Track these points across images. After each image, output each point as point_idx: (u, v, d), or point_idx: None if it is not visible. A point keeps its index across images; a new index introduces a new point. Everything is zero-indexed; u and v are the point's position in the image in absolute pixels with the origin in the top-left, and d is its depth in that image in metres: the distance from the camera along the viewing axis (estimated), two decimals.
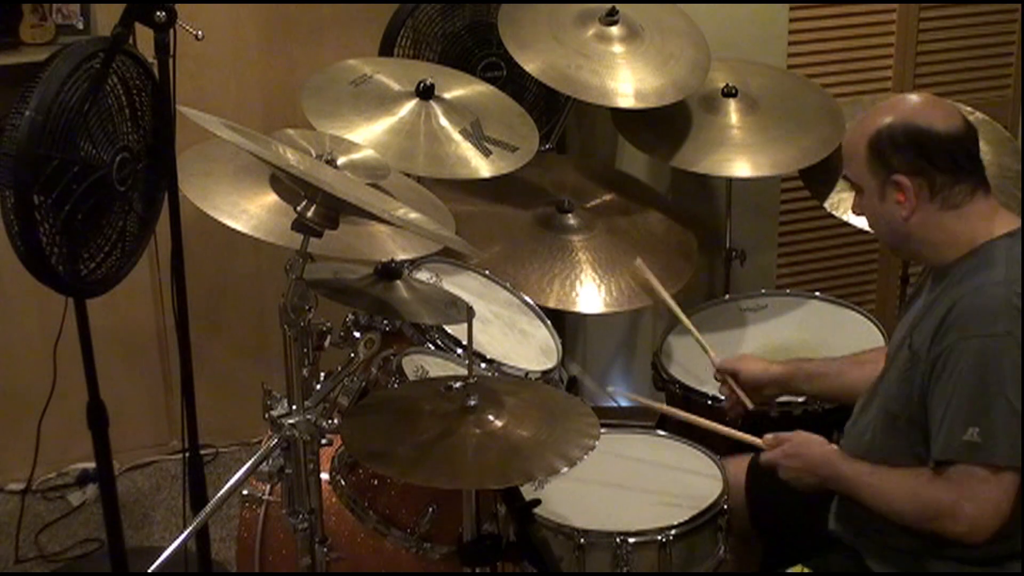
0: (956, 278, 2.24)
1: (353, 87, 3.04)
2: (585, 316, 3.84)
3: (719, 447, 2.68)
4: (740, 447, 2.61)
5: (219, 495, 2.19)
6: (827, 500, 2.45)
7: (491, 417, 2.16)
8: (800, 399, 2.88)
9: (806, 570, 2.39)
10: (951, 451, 2.16)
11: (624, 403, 3.88)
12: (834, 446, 2.42)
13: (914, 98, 2.35)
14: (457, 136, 3.01)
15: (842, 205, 3.25)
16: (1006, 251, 2.22)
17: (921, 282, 2.41)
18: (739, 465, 2.64)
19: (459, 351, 2.69)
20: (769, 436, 2.47)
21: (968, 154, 2.26)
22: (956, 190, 2.24)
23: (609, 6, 3.24)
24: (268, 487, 2.65)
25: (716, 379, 2.82)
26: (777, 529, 2.62)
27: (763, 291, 3.40)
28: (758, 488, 2.62)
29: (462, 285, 2.95)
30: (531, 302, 3.02)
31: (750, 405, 2.73)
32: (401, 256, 2.54)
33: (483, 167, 2.98)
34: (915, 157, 2.24)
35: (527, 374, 2.76)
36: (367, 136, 2.90)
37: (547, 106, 3.64)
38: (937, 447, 2.18)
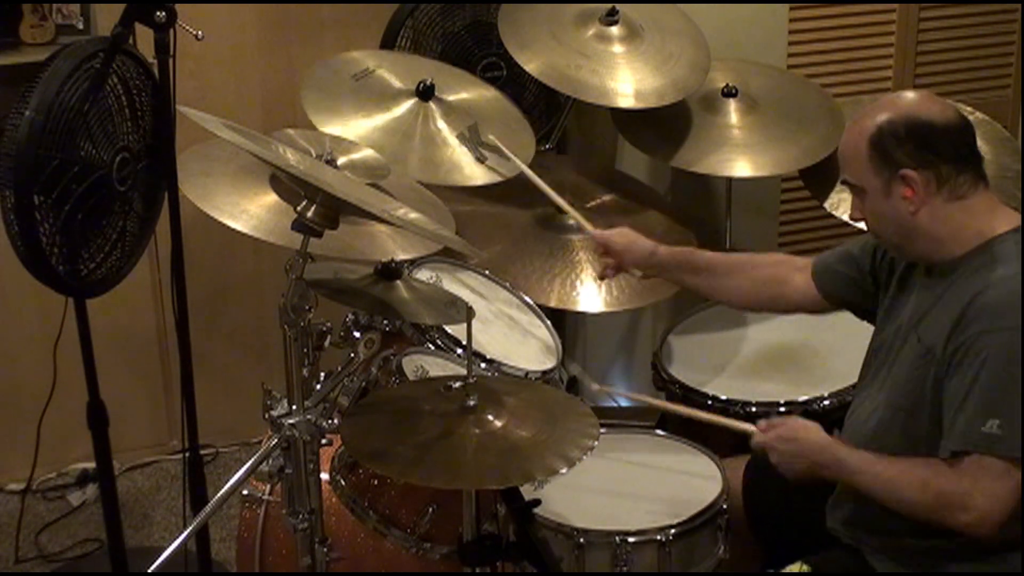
0: (968, 272, 2.24)
1: (354, 81, 3.04)
2: (585, 316, 3.83)
3: (718, 448, 2.68)
4: (737, 450, 2.60)
5: (219, 495, 2.19)
6: (823, 498, 2.45)
7: (491, 417, 2.16)
8: (800, 399, 2.89)
9: (805, 568, 2.38)
10: (968, 442, 2.14)
11: (624, 403, 3.88)
12: (830, 436, 2.38)
13: (908, 94, 2.37)
14: (453, 140, 3.00)
15: (842, 205, 3.25)
16: (1014, 245, 2.23)
17: (903, 277, 2.41)
18: (735, 467, 2.64)
19: (459, 351, 2.69)
20: (762, 422, 2.42)
21: (968, 144, 2.28)
22: (960, 180, 2.25)
23: (609, 6, 3.24)
24: (268, 487, 2.65)
25: (596, 253, 2.85)
26: (774, 529, 2.62)
27: None
28: (755, 490, 2.62)
29: (462, 285, 2.95)
30: (531, 302, 3.02)
31: (638, 274, 2.78)
32: (401, 256, 2.55)
33: (477, 174, 2.98)
34: (920, 149, 2.25)
35: (527, 374, 2.76)
36: (362, 132, 2.90)
37: (547, 106, 3.64)
38: (953, 437, 2.17)
